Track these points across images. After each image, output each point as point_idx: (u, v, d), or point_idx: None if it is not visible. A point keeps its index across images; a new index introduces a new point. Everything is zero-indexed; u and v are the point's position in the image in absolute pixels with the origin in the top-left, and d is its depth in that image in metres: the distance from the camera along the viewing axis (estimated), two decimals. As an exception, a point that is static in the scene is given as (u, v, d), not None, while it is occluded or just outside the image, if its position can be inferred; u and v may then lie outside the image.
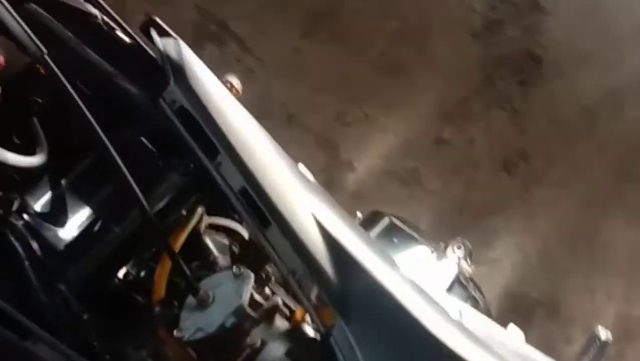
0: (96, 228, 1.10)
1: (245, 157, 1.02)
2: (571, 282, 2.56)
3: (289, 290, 1.34)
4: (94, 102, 1.02)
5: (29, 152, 1.09)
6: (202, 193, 1.14)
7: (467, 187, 2.61)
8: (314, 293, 1.04)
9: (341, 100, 2.63)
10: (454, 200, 2.60)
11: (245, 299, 1.10)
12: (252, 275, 1.13)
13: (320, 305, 1.05)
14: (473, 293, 1.52)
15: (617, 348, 2.42)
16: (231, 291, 1.10)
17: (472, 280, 1.56)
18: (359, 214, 1.46)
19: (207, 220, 1.28)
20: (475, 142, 2.64)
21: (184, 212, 1.16)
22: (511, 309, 2.48)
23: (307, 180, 1.16)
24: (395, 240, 1.54)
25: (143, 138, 1.09)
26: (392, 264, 1.13)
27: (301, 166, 1.24)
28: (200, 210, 1.22)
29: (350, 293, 1.03)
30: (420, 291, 1.09)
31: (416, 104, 2.65)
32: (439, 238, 1.92)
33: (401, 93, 2.65)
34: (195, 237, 1.24)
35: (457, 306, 1.17)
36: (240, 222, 1.35)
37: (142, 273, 1.24)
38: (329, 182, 2.44)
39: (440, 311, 1.06)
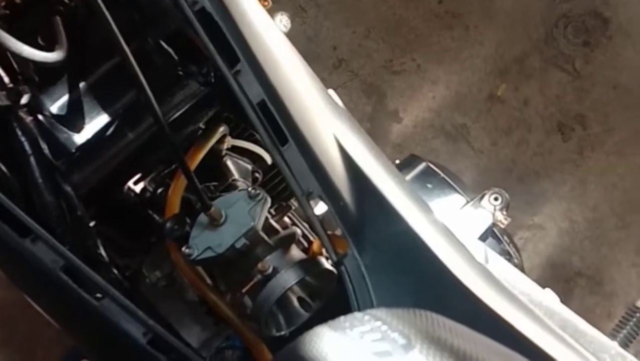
0: (110, 134, 1.06)
1: (266, 68, 0.96)
2: (618, 256, 2.45)
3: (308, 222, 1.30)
4: (116, 2, 0.97)
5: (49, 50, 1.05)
6: (221, 105, 1.09)
7: (518, 148, 2.50)
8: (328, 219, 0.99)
9: (393, 47, 2.53)
10: (503, 160, 2.50)
11: (259, 222, 1.06)
12: (268, 199, 1.08)
13: (334, 232, 1.00)
14: (507, 247, 1.44)
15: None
16: (245, 213, 1.05)
17: (507, 234, 1.48)
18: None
19: (230, 141, 1.23)
20: (530, 102, 2.52)
21: (202, 125, 1.11)
22: (551, 278, 2.39)
23: (335, 105, 1.09)
24: (430, 186, 1.46)
25: (163, 43, 1.04)
26: (420, 203, 1.05)
27: (331, 92, 1.18)
28: (222, 128, 1.17)
29: (367, 222, 0.97)
30: (445, 229, 1.02)
31: (471, 58, 2.54)
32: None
33: (456, 45, 2.54)
34: (216, 157, 1.20)
35: (485, 251, 1.10)
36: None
37: (160, 191, 1.21)
38: (374, 131, 2.36)
39: (463, 251, 0.99)
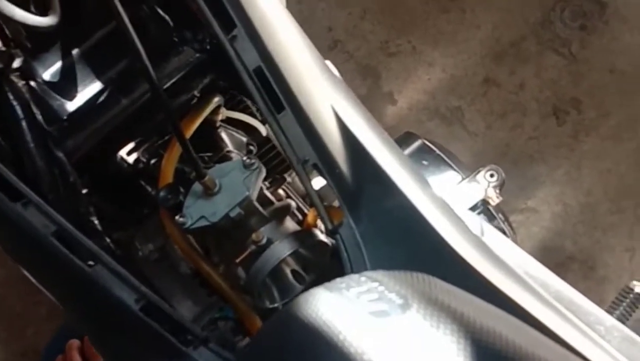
0: (104, 100, 1.04)
1: (263, 34, 0.95)
2: (611, 240, 2.44)
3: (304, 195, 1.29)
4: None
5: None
6: (216, 73, 1.08)
7: (512, 132, 2.49)
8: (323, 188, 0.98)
9: (388, 29, 2.52)
10: (497, 144, 2.49)
11: (254, 192, 1.05)
12: (263, 168, 1.07)
13: (329, 202, 0.99)
14: (501, 225, 1.43)
15: (652, 314, 2.32)
16: (239, 182, 1.04)
17: (502, 212, 1.48)
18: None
19: (225, 113, 1.22)
20: (525, 86, 2.51)
21: (196, 94, 1.10)
22: (544, 262, 2.37)
23: (332, 74, 1.08)
24: (425, 162, 1.45)
25: (158, 9, 1.03)
26: (417, 174, 1.05)
27: (328, 62, 1.17)
28: (217, 99, 1.16)
29: (363, 192, 0.96)
30: (440, 201, 1.01)
31: (467, 41, 2.53)
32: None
33: (452, 28, 2.53)
34: (210, 128, 1.19)
35: (480, 224, 1.09)
36: (263, 122, 1.29)
37: (153, 162, 1.20)
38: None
39: (458, 223, 0.98)
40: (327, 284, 0.68)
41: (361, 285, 0.66)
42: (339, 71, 2.47)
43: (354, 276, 0.68)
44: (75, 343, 2.10)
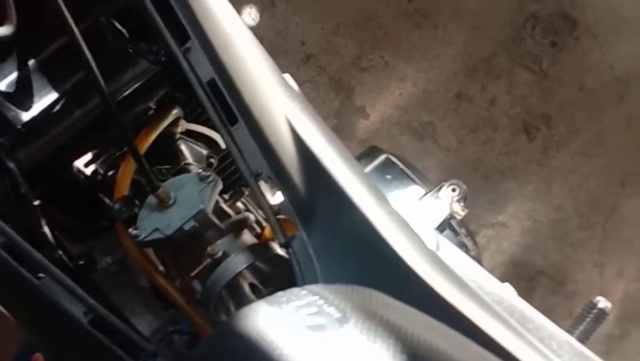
0: (57, 111, 1.03)
1: (218, 47, 0.94)
2: (581, 255, 2.46)
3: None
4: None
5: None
6: (171, 85, 1.08)
7: (484, 147, 2.50)
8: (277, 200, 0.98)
9: (361, 44, 2.53)
10: (468, 159, 2.50)
11: (209, 205, 1.04)
12: (219, 181, 1.06)
13: (283, 214, 0.98)
14: (464, 239, 1.44)
15: (621, 329, 2.33)
16: (194, 195, 1.04)
17: (465, 226, 1.48)
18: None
19: (185, 125, 1.22)
20: (497, 101, 2.53)
21: (152, 105, 1.10)
22: (514, 276, 2.39)
23: (289, 88, 1.08)
24: (389, 177, 1.45)
25: (114, 21, 1.02)
26: (373, 188, 1.05)
27: (287, 76, 1.16)
28: (175, 111, 1.16)
29: (317, 205, 0.95)
30: (396, 215, 1.01)
31: (439, 56, 2.54)
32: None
33: (424, 43, 2.54)
34: (169, 140, 1.19)
35: (436, 239, 1.09)
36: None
37: (111, 173, 1.19)
38: (341, 126, 2.35)
39: (412, 237, 0.98)
40: (268, 298, 0.68)
41: (301, 298, 0.66)
42: (313, 85, 2.49)
43: (295, 290, 0.68)
44: (39, 357, 2.08)
